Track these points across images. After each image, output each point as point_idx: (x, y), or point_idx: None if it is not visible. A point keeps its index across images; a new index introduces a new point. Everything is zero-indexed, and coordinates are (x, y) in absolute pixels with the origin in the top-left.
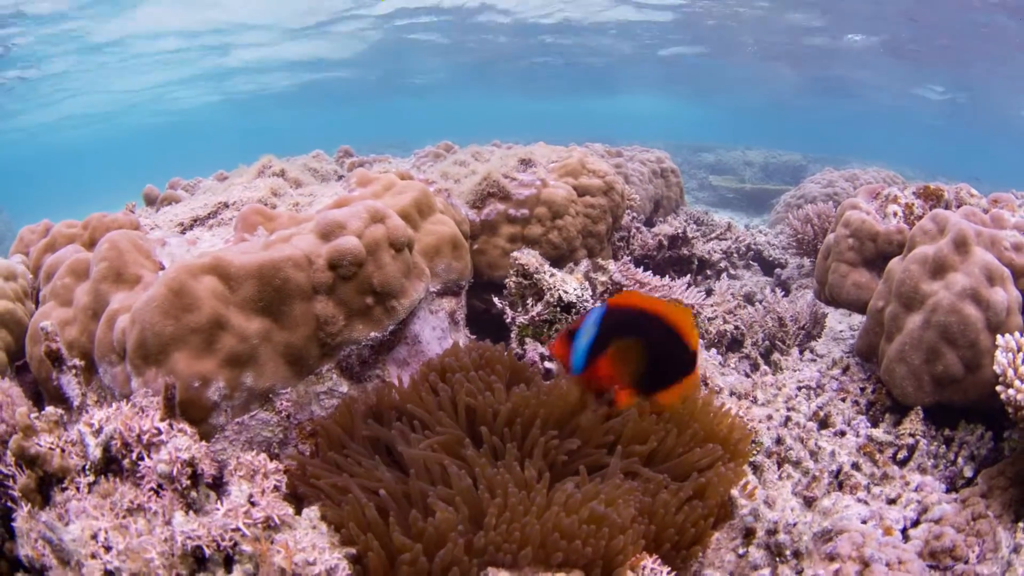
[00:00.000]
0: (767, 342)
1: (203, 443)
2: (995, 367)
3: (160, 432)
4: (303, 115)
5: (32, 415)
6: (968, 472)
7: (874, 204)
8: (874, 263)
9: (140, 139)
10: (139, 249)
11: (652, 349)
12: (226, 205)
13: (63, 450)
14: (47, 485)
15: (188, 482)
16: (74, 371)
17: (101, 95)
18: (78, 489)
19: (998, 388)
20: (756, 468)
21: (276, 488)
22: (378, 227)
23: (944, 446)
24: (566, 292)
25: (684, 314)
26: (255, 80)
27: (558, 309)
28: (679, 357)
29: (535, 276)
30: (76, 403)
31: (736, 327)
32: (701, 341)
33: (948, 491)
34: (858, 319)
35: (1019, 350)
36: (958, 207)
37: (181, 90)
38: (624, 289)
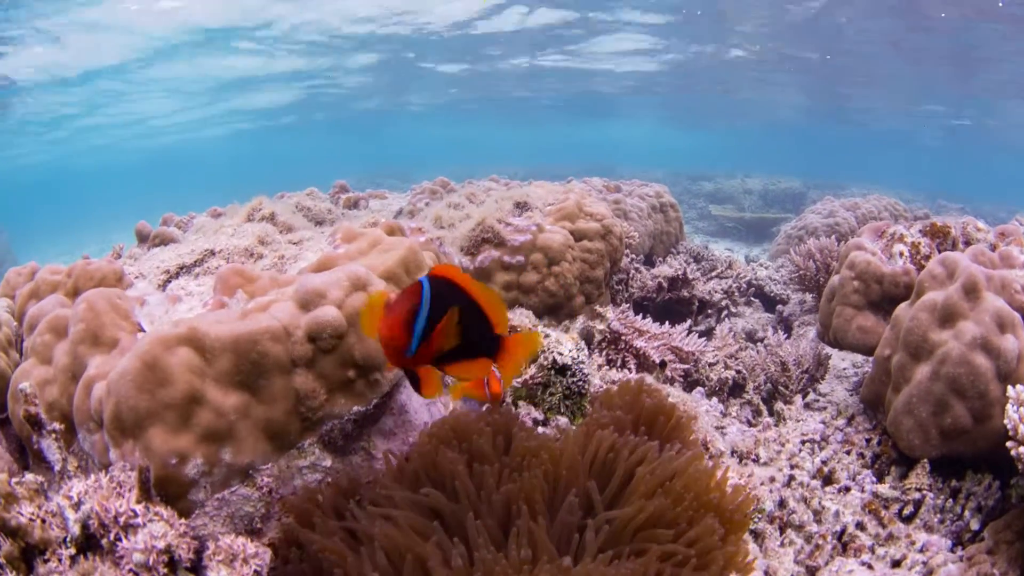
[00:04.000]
0: (769, 385)
1: (182, 522)
2: (1006, 421)
3: (136, 515)
4: (308, 141)
5: (13, 481)
6: (975, 525)
7: (879, 243)
8: (880, 305)
9: (143, 162)
10: (117, 310)
11: (465, 326)
12: (213, 252)
13: (44, 521)
14: (30, 554)
15: (165, 570)
16: (54, 435)
17: (105, 118)
18: (60, 561)
19: (1008, 444)
20: (757, 535)
21: (256, 573)
22: (360, 296)
23: (951, 499)
24: (560, 354)
25: (493, 296)
26: (260, 104)
27: (552, 372)
28: (485, 338)
29: None
30: (57, 468)
31: (738, 371)
32: (702, 389)
33: (955, 546)
34: (861, 356)
35: None
36: (965, 243)
37: (186, 115)
38: (622, 338)
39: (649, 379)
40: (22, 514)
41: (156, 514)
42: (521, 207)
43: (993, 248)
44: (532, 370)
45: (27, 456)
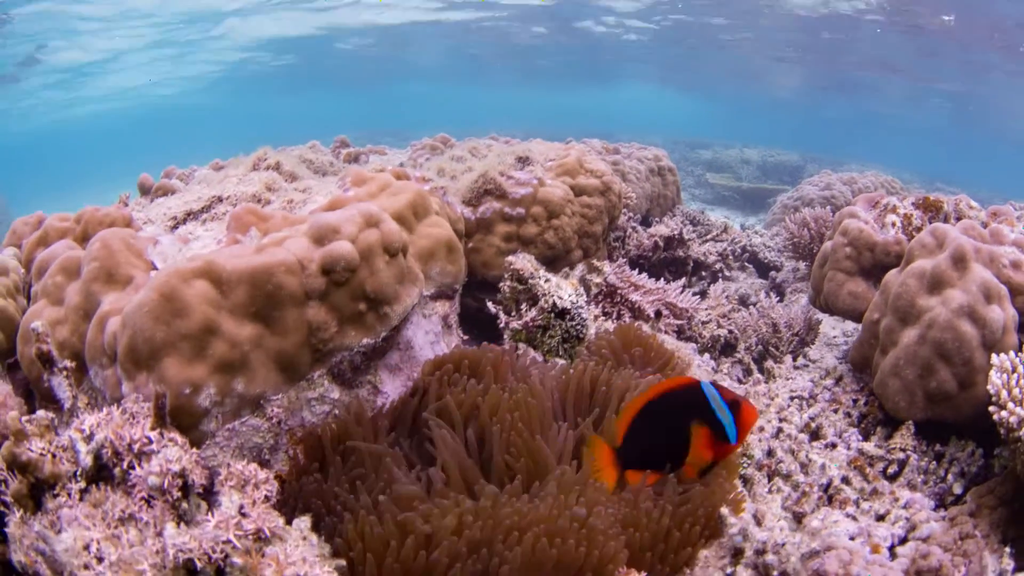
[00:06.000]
0: (760, 347)
1: (194, 450)
2: (989, 387)
3: (151, 441)
4: (303, 100)
5: (23, 419)
6: (957, 489)
7: (872, 213)
8: (871, 273)
9: (140, 122)
10: (131, 249)
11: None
12: (220, 199)
13: (54, 456)
14: (39, 490)
15: (179, 493)
16: (65, 373)
17: (99, 78)
18: (69, 496)
19: (991, 408)
20: (746, 481)
21: (267, 498)
22: (372, 232)
23: (935, 462)
24: (560, 298)
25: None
26: (255, 62)
27: (552, 315)
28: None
29: (530, 281)
30: (67, 405)
31: (730, 331)
32: (694, 345)
33: (937, 508)
34: (852, 325)
35: (1013, 371)
36: (957, 219)
37: (180, 73)
38: (618, 291)
39: (645, 327)
40: (31, 449)
41: (171, 440)
42: (523, 161)
43: (984, 226)
44: (532, 313)
45: (34, 401)
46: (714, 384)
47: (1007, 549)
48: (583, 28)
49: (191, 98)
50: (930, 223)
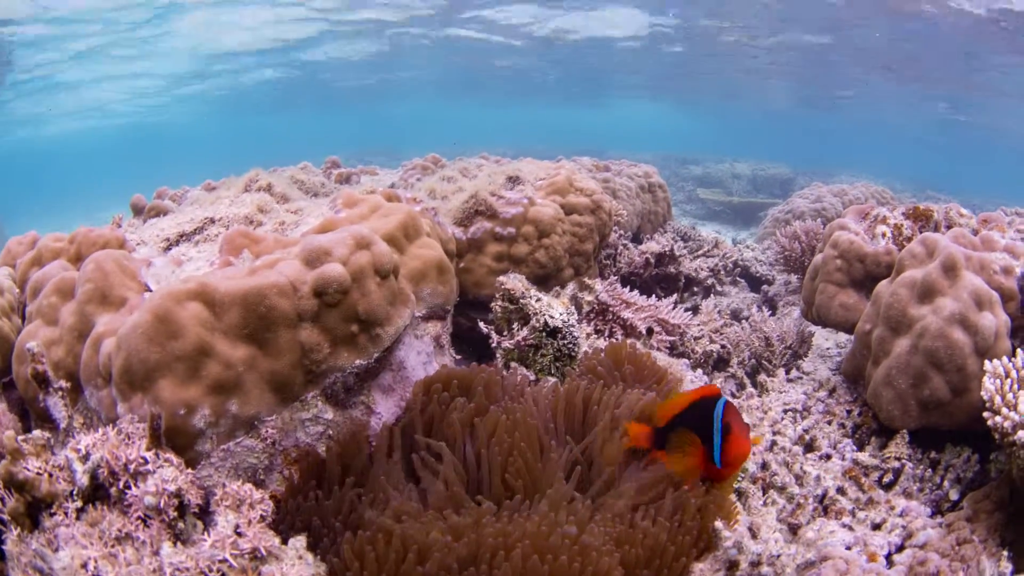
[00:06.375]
0: (753, 360)
1: (189, 471)
2: (982, 393)
3: (147, 462)
4: (292, 118)
5: (19, 438)
6: (954, 495)
7: (863, 224)
8: (862, 284)
9: (131, 142)
10: (124, 270)
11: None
12: (212, 221)
13: (51, 475)
14: (36, 509)
15: (175, 513)
16: (60, 393)
17: (90, 97)
18: (66, 514)
19: (985, 414)
20: (741, 494)
21: (262, 518)
22: (363, 254)
23: (930, 469)
24: (552, 317)
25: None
26: (245, 81)
27: (544, 334)
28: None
29: (521, 301)
30: (63, 425)
31: (723, 346)
32: (687, 361)
33: (934, 514)
34: (845, 337)
35: (1007, 376)
36: (948, 227)
37: (169, 92)
38: (610, 309)
39: (637, 344)
40: (28, 468)
41: (166, 460)
42: (513, 181)
43: (975, 233)
44: (524, 332)
45: (29, 420)
46: (727, 406)
47: (1005, 553)
48: (575, 43)
49: (179, 115)
50: (920, 232)
